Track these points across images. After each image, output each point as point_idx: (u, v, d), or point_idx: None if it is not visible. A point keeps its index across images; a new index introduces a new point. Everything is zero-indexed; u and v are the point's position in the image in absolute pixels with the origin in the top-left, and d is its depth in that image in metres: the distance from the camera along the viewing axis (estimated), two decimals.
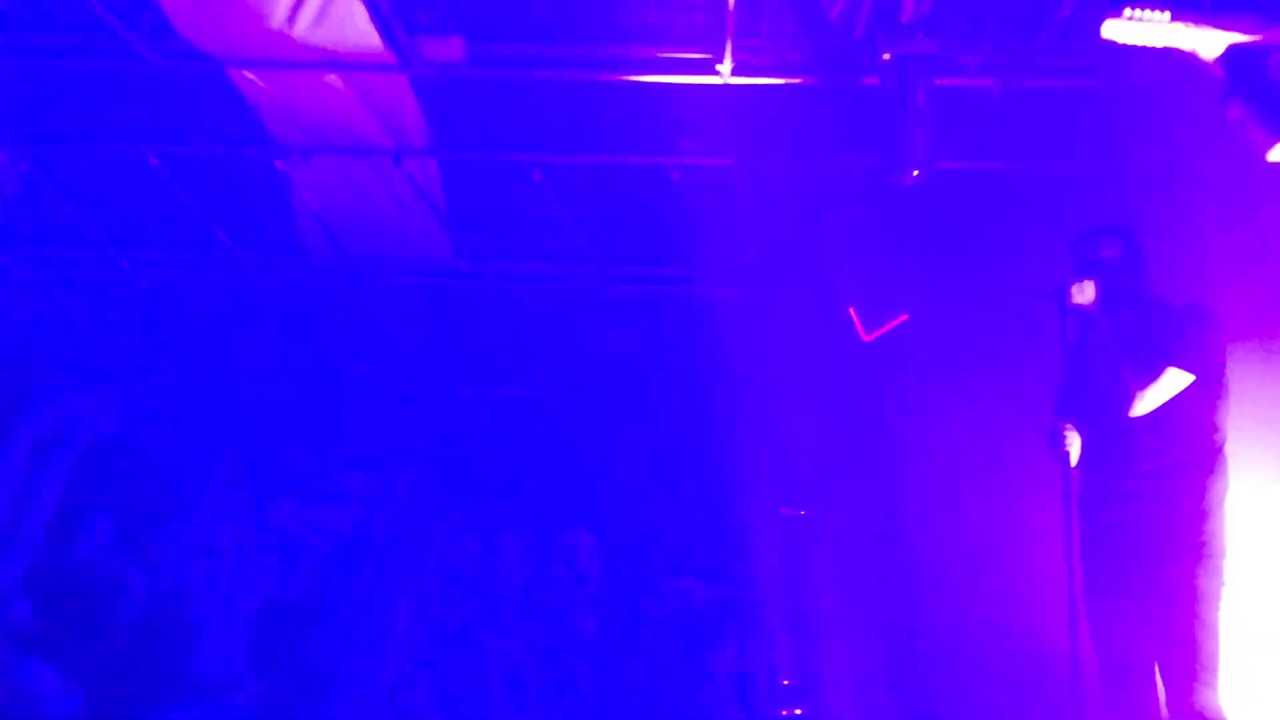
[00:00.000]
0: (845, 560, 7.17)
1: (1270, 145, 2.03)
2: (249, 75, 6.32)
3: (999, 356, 6.37)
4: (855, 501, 7.39)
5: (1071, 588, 4.06)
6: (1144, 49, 2.28)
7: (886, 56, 5.60)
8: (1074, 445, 4.56)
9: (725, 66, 6.02)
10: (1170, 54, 2.26)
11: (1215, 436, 4.52)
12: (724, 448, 8.07)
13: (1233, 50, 2.14)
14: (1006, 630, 6.11)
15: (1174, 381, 4.46)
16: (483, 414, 8.37)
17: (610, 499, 8.14)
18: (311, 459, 5.98)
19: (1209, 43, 2.21)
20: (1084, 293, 4.62)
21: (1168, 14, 2.28)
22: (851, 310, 6.97)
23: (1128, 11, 2.29)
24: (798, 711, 7.08)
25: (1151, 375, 4.47)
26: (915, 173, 5.64)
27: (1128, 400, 4.48)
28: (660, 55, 6.19)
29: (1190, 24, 2.22)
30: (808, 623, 6.76)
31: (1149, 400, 4.45)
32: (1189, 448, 4.51)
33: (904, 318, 6.77)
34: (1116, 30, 2.31)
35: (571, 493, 8.01)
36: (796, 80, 6.19)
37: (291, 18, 5.77)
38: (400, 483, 7.20)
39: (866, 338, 6.83)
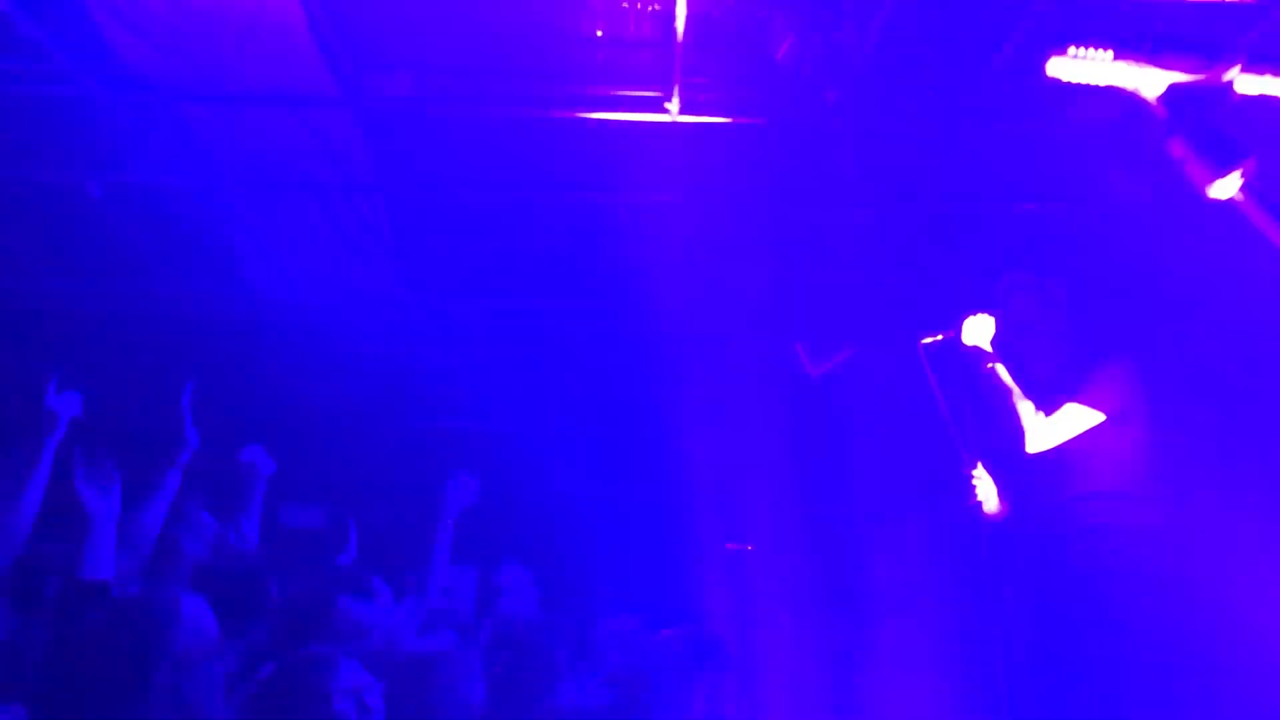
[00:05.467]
0: (790, 595, 7.19)
1: (1209, 183, 2.10)
2: (194, 106, 6.28)
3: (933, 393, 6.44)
4: (800, 536, 7.42)
5: (996, 619, 4.17)
6: (1086, 87, 2.35)
7: (831, 97, 5.70)
8: (983, 482, 4.64)
9: (673, 105, 6.07)
10: (1112, 93, 2.33)
11: (1133, 472, 4.59)
12: (670, 482, 8.06)
13: (1174, 89, 2.21)
14: (947, 660, 6.16)
15: (1080, 419, 4.54)
16: (427, 445, 8.31)
17: (554, 533, 8.11)
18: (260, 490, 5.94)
19: (1151, 82, 2.28)
20: (977, 331, 4.69)
21: (1110, 53, 2.35)
22: (798, 347, 7.03)
23: (1072, 50, 2.36)
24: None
25: (1058, 413, 4.55)
26: (859, 210, 5.73)
27: (1031, 437, 4.57)
28: (609, 93, 6.23)
29: (1133, 63, 2.29)
30: (754, 657, 6.75)
31: (1052, 437, 4.53)
32: (1104, 482, 4.58)
33: (849, 354, 6.83)
34: (1060, 68, 2.37)
35: (512, 526, 7.96)
36: (743, 119, 6.25)
37: (238, 48, 5.75)
38: (343, 515, 7.09)
39: (813, 373, 6.89)
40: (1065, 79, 2.27)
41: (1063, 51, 2.25)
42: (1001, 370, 4.79)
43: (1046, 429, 4.62)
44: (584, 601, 7.21)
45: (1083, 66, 2.25)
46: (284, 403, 7.94)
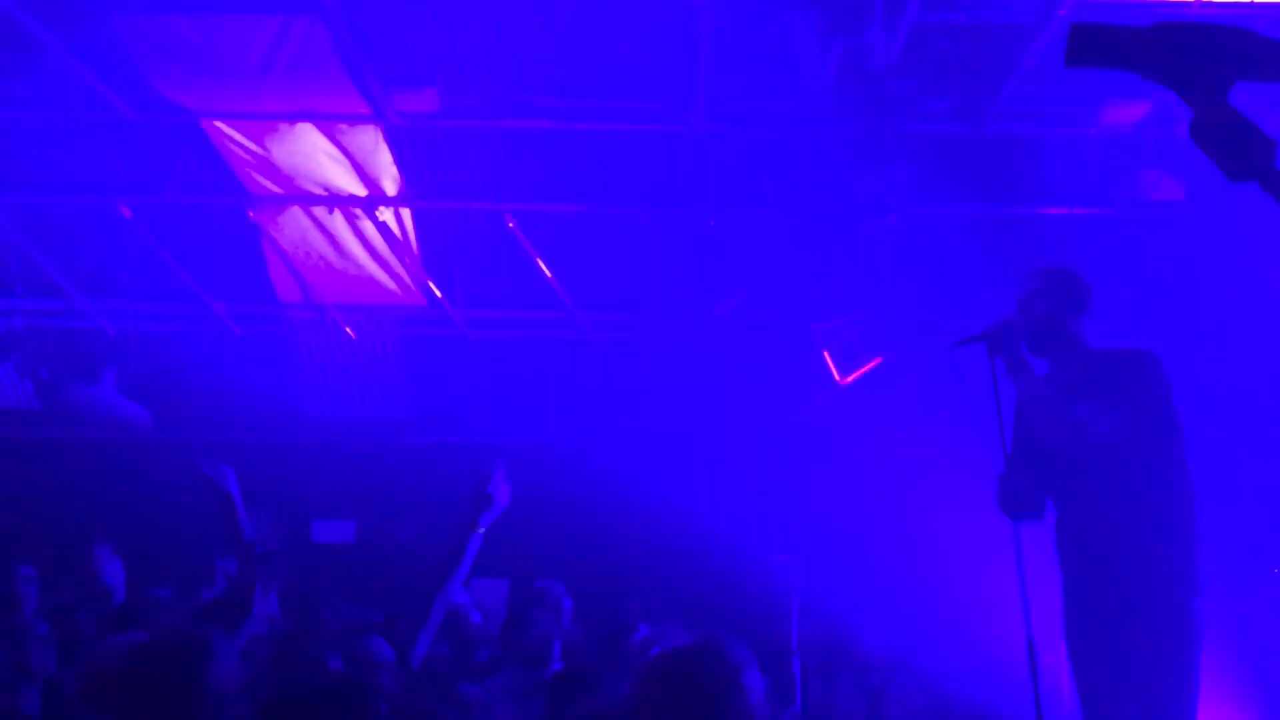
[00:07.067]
0: (824, 602, 7.16)
1: (1234, 173, 2.07)
2: (222, 126, 6.34)
3: (964, 397, 6.42)
4: (832, 543, 7.40)
5: (1026, 619, 4.12)
6: (1109, 87, 2.33)
7: (857, 103, 5.68)
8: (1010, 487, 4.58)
9: (698, 114, 6.08)
10: (1139, 89, 2.31)
11: (1165, 474, 4.53)
12: (701, 492, 8.06)
13: (1198, 82, 2.19)
14: (977, 662, 6.12)
15: (1111, 421, 4.47)
16: (455, 460, 8.34)
17: (587, 545, 8.11)
18: (288, 508, 5.95)
19: (1175, 75, 2.26)
20: (1005, 335, 4.63)
21: (1132, 44, 2.32)
22: (826, 355, 7.00)
23: (1092, 39, 2.33)
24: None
25: (1085, 417, 4.48)
26: (887, 216, 5.69)
27: (1062, 442, 4.49)
28: (633, 105, 6.25)
29: (1156, 56, 2.27)
30: (789, 662, 6.73)
31: (1083, 439, 4.47)
32: (1138, 485, 4.51)
33: (878, 361, 6.80)
34: (1081, 57, 2.34)
35: (546, 539, 7.97)
36: (768, 128, 6.26)
37: (265, 68, 5.80)
38: (374, 531, 7.15)
39: (842, 382, 6.86)
40: (1087, 67, 2.24)
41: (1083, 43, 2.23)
42: (1028, 373, 4.74)
43: (1070, 430, 4.56)
44: (615, 612, 7.21)
45: (1105, 56, 2.22)
46: (312, 419, 7.98)
